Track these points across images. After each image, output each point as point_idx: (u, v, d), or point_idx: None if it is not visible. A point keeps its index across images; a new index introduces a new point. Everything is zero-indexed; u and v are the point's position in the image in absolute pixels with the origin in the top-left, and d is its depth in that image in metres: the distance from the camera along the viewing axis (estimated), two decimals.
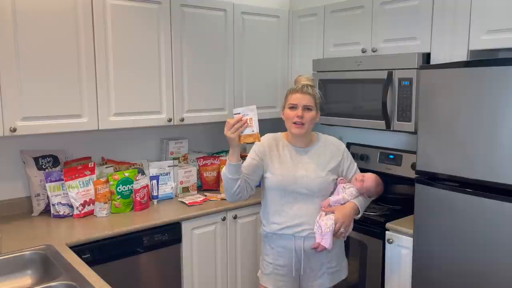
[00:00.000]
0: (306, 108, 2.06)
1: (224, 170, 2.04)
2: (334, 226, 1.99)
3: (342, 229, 2.02)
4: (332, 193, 2.13)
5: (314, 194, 2.07)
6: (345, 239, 2.19)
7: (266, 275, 2.17)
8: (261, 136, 2.03)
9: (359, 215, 2.12)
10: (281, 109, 2.16)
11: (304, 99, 2.05)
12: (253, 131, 1.94)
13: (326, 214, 2.04)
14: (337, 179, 2.15)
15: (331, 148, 2.17)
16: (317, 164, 2.10)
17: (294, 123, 2.05)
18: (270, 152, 2.12)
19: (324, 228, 1.99)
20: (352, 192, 2.10)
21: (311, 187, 2.06)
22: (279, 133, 2.21)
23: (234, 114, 1.96)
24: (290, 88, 2.13)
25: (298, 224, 2.06)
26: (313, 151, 2.14)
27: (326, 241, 1.99)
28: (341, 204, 2.06)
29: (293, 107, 2.06)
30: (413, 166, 2.68)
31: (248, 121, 1.93)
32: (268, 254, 2.16)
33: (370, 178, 2.14)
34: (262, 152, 2.12)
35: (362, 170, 3.07)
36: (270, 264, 2.15)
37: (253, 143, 1.99)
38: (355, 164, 2.23)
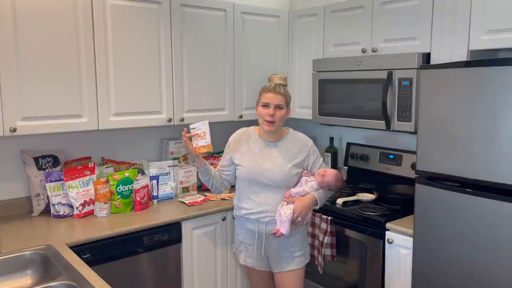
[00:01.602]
0: (278, 107, 2.21)
1: (199, 174, 2.34)
2: (292, 215, 2.17)
3: (299, 219, 2.20)
4: (296, 184, 2.30)
5: (278, 186, 2.25)
6: (307, 224, 2.48)
7: (239, 252, 2.40)
8: (235, 131, 2.40)
9: (318, 206, 2.30)
10: (255, 105, 2.30)
11: (276, 99, 2.20)
12: (206, 142, 2.22)
13: (287, 204, 2.22)
14: (301, 172, 2.32)
15: (299, 144, 2.32)
16: (284, 158, 2.27)
17: (266, 121, 2.21)
18: (240, 147, 2.33)
19: (283, 216, 2.18)
20: (313, 186, 2.27)
21: (275, 179, 2.24)
22: (252, 127, 2.39)
23: (191, 129, 2.22)
24: (263, 86, 2.28)
25: (262, 211, 2.26)
26: (282, 146, 2.30)
27: (283, 228, 2.18)
28: (302, 196, 2.24)
29: (265, 106, 2.22)
30: (413, 166, 2.68)
31: (202, 134, 2.21)
32: (239, 233, 2.39)
33: (330, 174, 2.29)
34: (232, 150, 2.35)
35: (362, 170, 3.09)
36: (241, 243, 2.37)
37: (207, 153, 2.25)
38: (321, 159, 2.39)
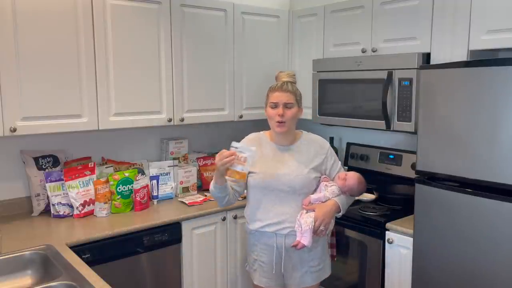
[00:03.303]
0: (287, 105, 2.07)
1: (212, 188, 2.09)
2: (313, 224, 2.00)
3: (321, 227, 2.03)
4: (315, 191, 2.14)
5: (296, 192, 2.08)
6: (328, 235, 2.21)
7: (253, 271, 2.22)
8: (245, 137, 2.22)
9: (341, 213, 2.13)
10: (264, 107, 2.18)
11: (284, 97, 2.06)
12: (242, 169, 1.94)
13: (306, 212, 2.05)
14: (320, 177, 2.16)
15: (314, 147, 2.18)
16: (300, 162, 2.11)
17: (277, 122, 2.07)
18: None
19: (303, 225, 2.00)
20: (334, 191, 2.10)
21: (292, 184, 2.07)
22: (262, 132, 2.25)
23: (232, 146, 1.96)
24: (271, 85, 2.15)
25: (280, 222, 2.09)
26: (296, 149, 2.15)
27: (305, 239, 2.00)
28: (322, 202, 2.07)
29: (274, 106, 2.08)
30: (413, 166, 2.68)
31: (242, 159, 1.93)
32: (253, 250, 2.21)
33: (352, 177, 2.14)
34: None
35: (362, 170, 3.09)
36: (255, 260, 2.20)
37: (237, 179, 2.00)
38: (339, 162, 2.25)
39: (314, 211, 2.04)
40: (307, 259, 2.13)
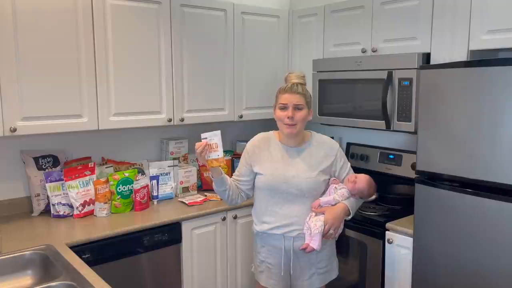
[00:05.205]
0: (297, 107, 2.04)
1: (213, 184, 2.11)
2: (323, 228, 1.98)
3: (331, 231, 2.01)
4: (324, 193, 2.11)
5: (304, 194, 2.06)
6: (336, 239, 2.19)
7: (260, 272, 2.21)
8: (253, 137, 2.20)
9: (350, 217, 2.10)
10: (273, 108, 2.14)
11: (294, 99, 2.03)
12: (218, 155, 1.98)
13: (316, 215, 2.03)
14: (329, 179, 2.14)
15: (324, 148, 2.15)
16: (309, 164, 2.09)
17: (286, 124, 2.04)
18: (260, 154, 2.14)
19: (313, 229, 1.99)
20: (343, 193, 2.08)
21: (301, 187, 2.05)
22: (271, 132, 2.21)
23: (202, 138, 2.00)
24: (280, 87, 2.12)
25: (288, 224, 2.07)
26: (306, 151, 2.12)
27: (315, 242, 1.98)
28: (332, 205, 2.05)
29: (283, 108, 2.05)
30: (413, 166, 2.68)
31: (214, 146, 1.98)
32: (260, 252, 2.19)
33: (362, 180, 2.12)
34: (250, 157, 2.16)
35: (362, 170, 3.08)
36: (262, 262, 2.19)
37: (218, 167, 2.02)
38: (349, 164, 2.21)
39: (323, 214, 2.02)
40: (315, 261, 2.12)
